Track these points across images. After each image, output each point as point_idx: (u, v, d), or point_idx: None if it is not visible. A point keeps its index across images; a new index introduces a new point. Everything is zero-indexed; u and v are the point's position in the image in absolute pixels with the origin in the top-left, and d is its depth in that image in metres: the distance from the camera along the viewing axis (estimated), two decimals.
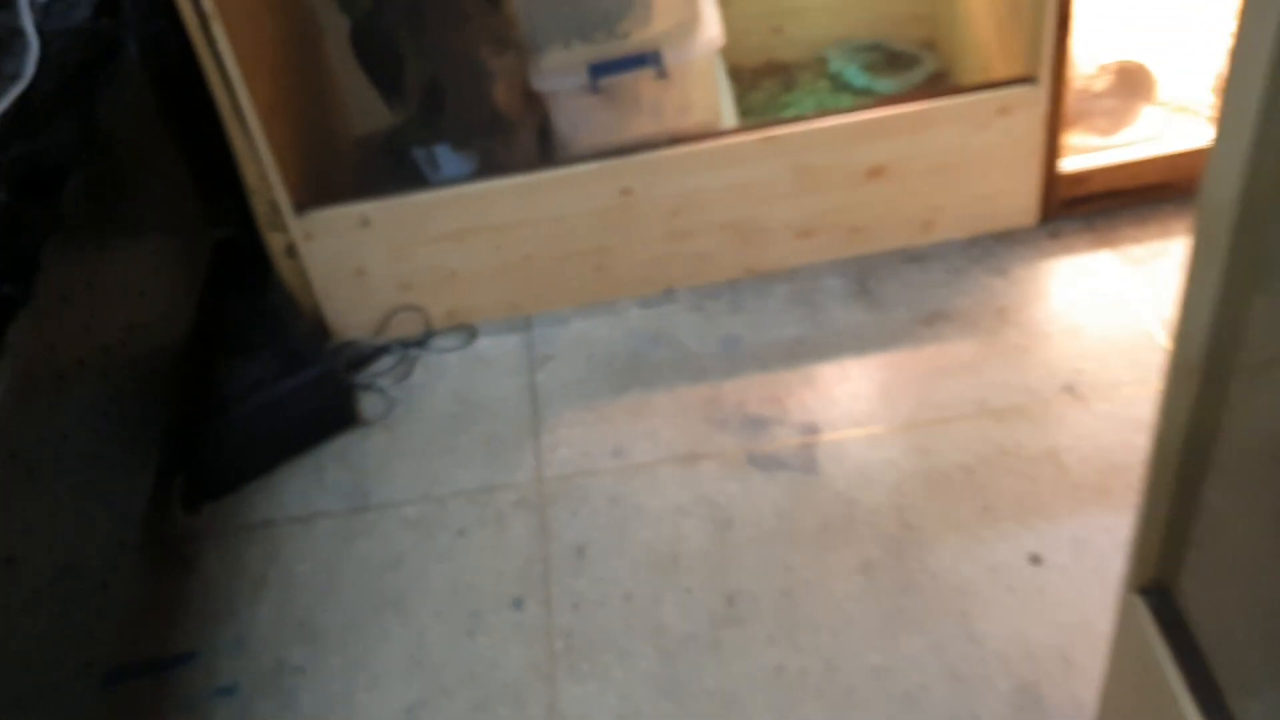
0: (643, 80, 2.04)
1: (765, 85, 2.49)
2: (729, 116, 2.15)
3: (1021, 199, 2.11)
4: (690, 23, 2.01)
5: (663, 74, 2.01)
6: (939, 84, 2.42)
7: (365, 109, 2.35)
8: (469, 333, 2.18)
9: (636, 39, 2.01)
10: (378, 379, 2.12)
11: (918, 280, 2.10)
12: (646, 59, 2.00)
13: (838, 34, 2.53)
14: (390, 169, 2.39)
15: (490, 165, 2.20)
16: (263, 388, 1.93)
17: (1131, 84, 2.22)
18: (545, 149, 2.17)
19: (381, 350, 2.17)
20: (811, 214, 2.09)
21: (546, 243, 2.08)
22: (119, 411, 1.66)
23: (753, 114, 2.42)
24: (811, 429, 1.89)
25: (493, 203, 2.04)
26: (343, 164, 2.38)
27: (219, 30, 1.81)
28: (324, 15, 2.30)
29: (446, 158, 2.30)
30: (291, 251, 2.07)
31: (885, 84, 2.40)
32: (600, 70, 2.00)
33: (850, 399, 1.93)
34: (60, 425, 1.49)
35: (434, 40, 2.15)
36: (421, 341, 2.17)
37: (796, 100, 2.44)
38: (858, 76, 2.42)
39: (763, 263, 2.14)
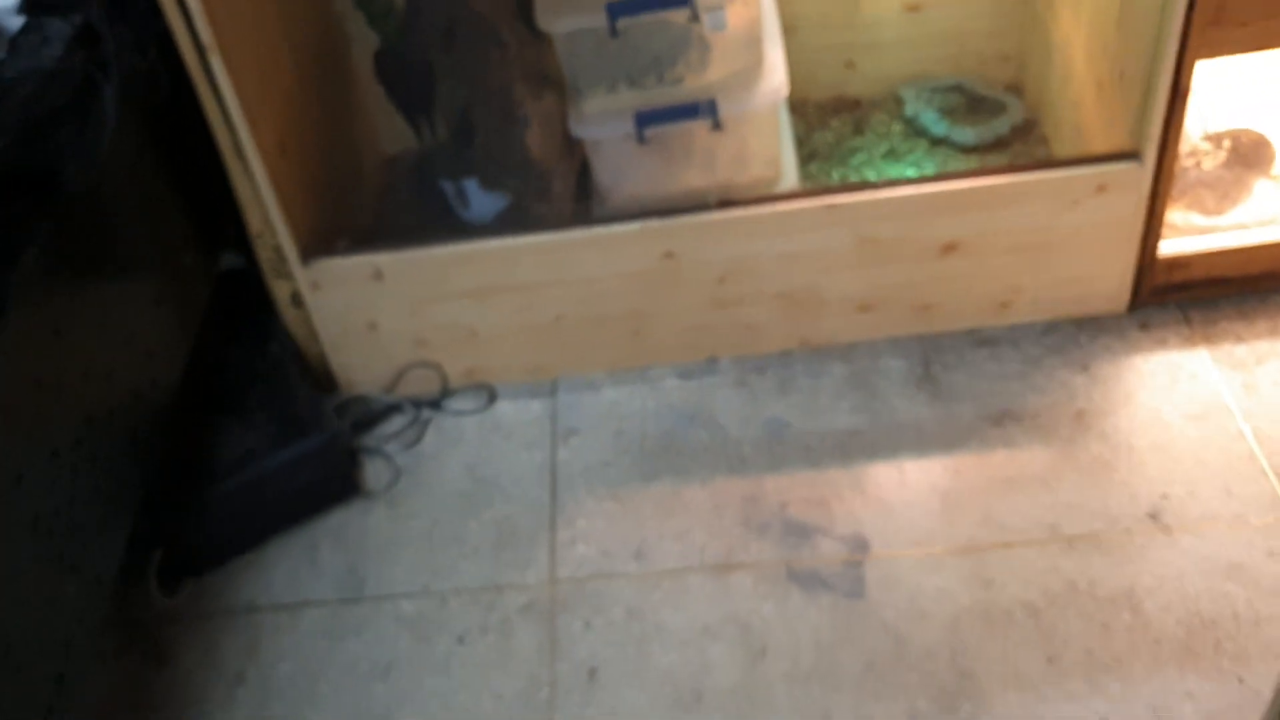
0: (695, 131, 1.81)
1: (833, 125, 2.26)
2: (790, 170, 1.93)
3: (1111, 283, 1.88)
4: (752, 71, 1.79)
5: (717, 126, 1.79)
6: (1025, 135, 2.18)
7: (398, 126, 2.15)
8: (488, 394, 1.98)
9: (690, 86, 1.78)
10: (385, 443, 1.93)
11: (988, 369, 1.88)
12: (699, 109, 1.77)
13: (915, 71, 2.29)
14: (417, 199, 2.19)
15: (521, 211, 1.99)
16: (256, 459, 1.75)
17: (1246, 156, 1.97)
18: (582, 199, 1.96)
19: (392, 409, 1.97)
20: (875, 287, 1.87)
21: (578, 304, 1.88)
22: (92, 468, 1.49)
23: (818, 158, 2.20)
24: (860, 543, 1.68)
25: (520, 260, 1.83)
26: (368, 186, 2.18)
27: (218, 63, 1.61)
28: (353, 26, 2.09)
29: (476, 194, 2.09)
30: (297, 300, 1.88)
31: (965, 133, 2.16)
32: (647, 119, 1.79)
33: (905, 509, 1.72)
34: (21, 476, 1.32)
35: (466, 69, 1.94)
36: (436, 401, 1.97)
37: (866, 145, 2.20)
38: (935, 123, 2.18)
39: (817, 335, 1.93)
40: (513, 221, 2.04)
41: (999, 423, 1.80)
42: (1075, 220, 1.79)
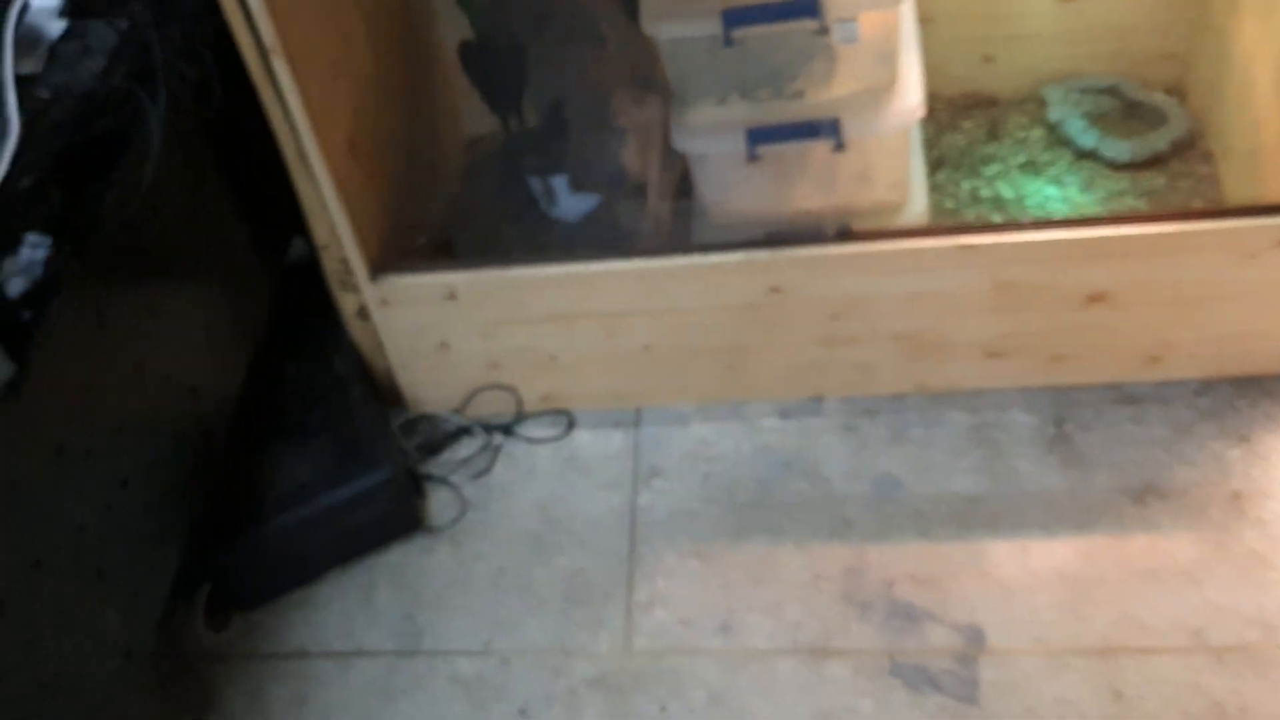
0: (813, 149, 1.60)
1: (966, 126, 2.02)
2: (919, 193, 1.71)
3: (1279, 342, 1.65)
4: (883, 88, 1.56)
5: (840, 147, 1.57)
6: (1187, 151, 1.93)
7: (482, 105, 1.96)
8: (566, 420, 1.80)
9: (811, 101, 1.57)
10: (452, 471, 1.77)
11: (1130, 433, 1.66)
12: (821, 129, 1.56)
13: (1061, 69, 2.03)
14: (501, 189, 2.00)
15: (612, 217, 1.80)
16: (313, 494, 1.60)
17: None
18: (681, 214, 1.76)
19: (462, 431, 1.81)
20: (1006, 334, 1.65)
21: (670, 334, 1.69)
22: (142, 493, 1.37)
23: (946, 164, 1.97)
24: (975, 635, 1.49)
25: (608, 287, 1.64)
26: (447, 170, 2.00)
27: (281, 66, 1.43)
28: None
29: (565, 193, 1.90)
30: (364, 313, 1.72)
31: (1119, 146, 1.91)
32: (761, 136, 1.58)
33: (1028, 596, 1.52)
34: (63, 503, 1.22)
35: (559, 62, 1.74)
36: (509, 426, 1.80)
37: (1002, 153, 1.97)
38: (1083, 133, 1.94)
39: (936, 380, 1.72)
40: (603, 230, 1.86)
41: (1140, 499, 1.59)
42: (1248, 275, 1.55)
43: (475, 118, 2.04)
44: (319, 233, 1.63)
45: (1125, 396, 1.70)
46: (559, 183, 1.90)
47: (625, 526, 1.66)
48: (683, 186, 1.79)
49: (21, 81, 1.20)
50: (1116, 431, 1.66)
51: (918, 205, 1.70)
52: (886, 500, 1.63)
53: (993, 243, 1.55)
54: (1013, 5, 1.98)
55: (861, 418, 1.73)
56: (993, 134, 2.02)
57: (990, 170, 1.95)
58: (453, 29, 1.89)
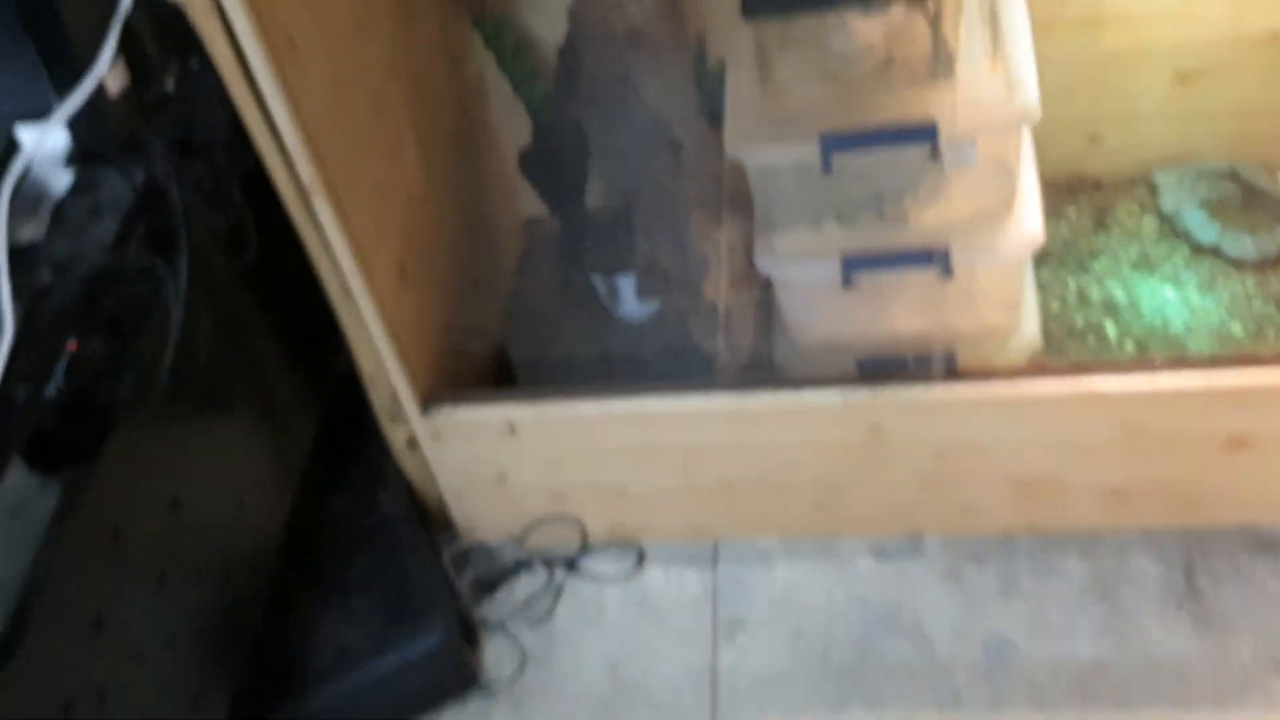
0: (916, 275, 1.42)
1: (1070, 214, 1.84)
2: (1030, 316, 1.53)
3: None
4: (999, 212, 1.38)
5: (948, 274, 1.39)
6: None
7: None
8: (635, 554, 1.64)
9: (916, 227, 1.39)
10: (510, 615, 1.60)
11: (1271, 586, 1.48)
12: (927, 257, 1.38)
13: (1175, 151, 1.84)
14: (559, 281, 1.83)
15: (682, 325, 1.63)
16: (358, 661, 1.44)
17: None
18: (763, 338, 1.58)
19: (521, 565, 1.65)
20: (1133, 477, 1.47)
21: (754, 470, 1.52)
22: (180, 655, 1.22)
23: (1050, 258, 1.78)
24: None
25: (686, 424, 1.47)
26: (503, 259, 1.83)
27: (323, 206, 1.26)
28: (489, 72, 1.71)
29: (629, 296, 1.73)
30: (414, 443, 1.55)
31: (1242, 242, 1.73)
32: (859, 264, 1.40)
33: None
34: (94, 671, 1.06)
35: (630, 162, 1.57)
36: (573, 560, 1.64)
37: (1111, 246, 1.79)
38: (1202, 226, 1.75)
39: (1050, 520, 1.54)
40: (671, 333, 1.69)
41: None
42: None
43: (529, 200, 1.86)
44: (365, 364, 1.47)
45: (1263, 541, 1.51)
46: (623, 283, 1.74)
47: (706, 692, 1.50)
48: (761, 316, 1.62)
49: (19, 255, 1.04)
50: (1255, 584, 1.48)
51: (1029, 329, 1.52)
52: (998, 667, 1.46)
53: (1123, 391, 1.36)
54: (1123, 82, 1.79)
55: (967, 562, 1.56)
56: (1100, 223, 1.83)
57: (1099, 266, 1.77)
58: (505, 109, 1.72)
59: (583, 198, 1.72)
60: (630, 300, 1.75)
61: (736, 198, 1.56)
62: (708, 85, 1.63)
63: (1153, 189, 1.84)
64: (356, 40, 1.33)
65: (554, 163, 1.60)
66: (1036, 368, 1.46)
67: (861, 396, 1.42)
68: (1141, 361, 1.43)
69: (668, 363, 1.70)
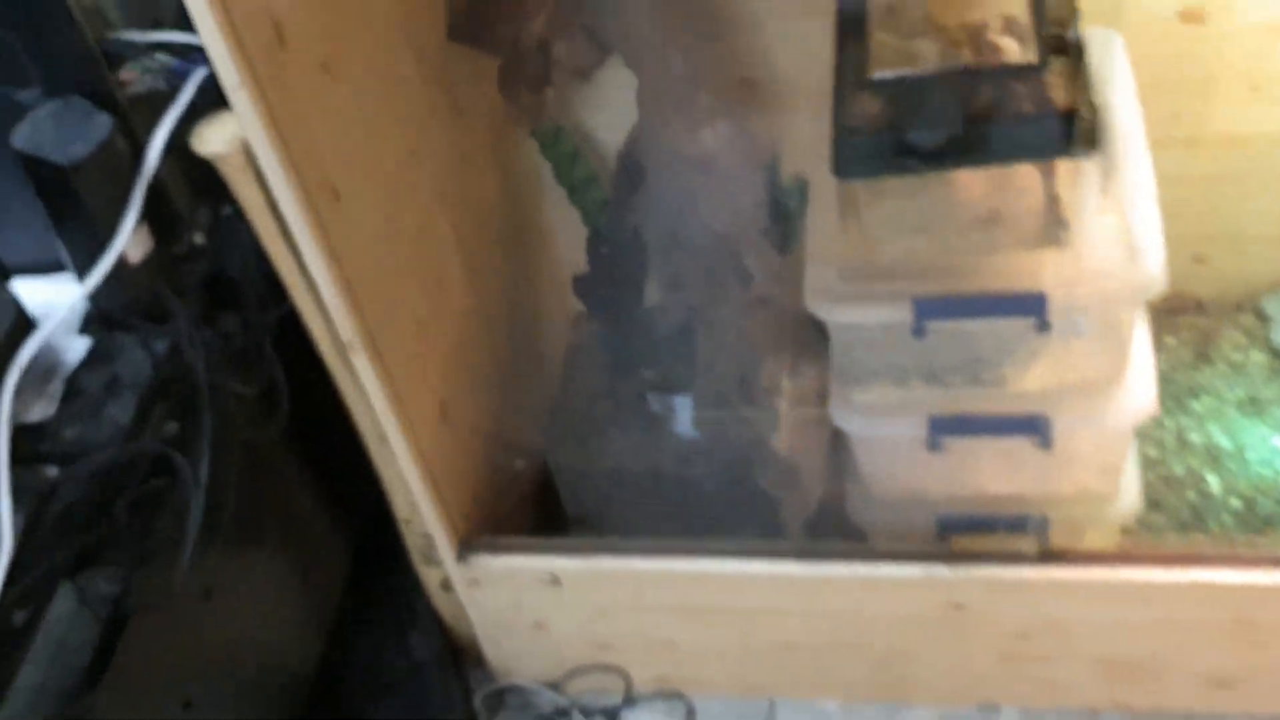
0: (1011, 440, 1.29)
1: (1170, 343, 1.70)
2: (1131, 482, 1.39)
3: None
4: (1106, 382, 1.24)
5: (1047, 445, 1.26)
6: None
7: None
8: (685, 709, 1.51)
9: (1013, 392, 1.25)
10: None
11: None
12: (1028, 425, 1.25)
13: None
14: (609, 390, 1.70)
15: (742, 471, 1.50)
16: None
17: None
18: (832, 484, 1.45)
19: (560, 714, 1.52)
20: (1240, 666, 1.33)
21: (818, 636, 1.40)
22: None
23: None
24: None
25: (748, 588, 1.35)
26: (550, 347, 1.70)
27: (362, 362, 1.14)
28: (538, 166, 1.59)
29: (686, 415, 1.60)
30: (448, 585, 1.44)
31: None
32: (947, 427, 1.27)
33: None
34: None
35: (692, 288, 1.44)
36: (615, 712, 1.52)
37: (1215, 382, 1.65)
38: None
39: (1142, 700, 1.41)
40: (729, 450, 1.56)
41: None
42: None
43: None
44: (400, 507, 1.36)
45: None
46: (681, 402, 1.61)
47: None
48: (834, 440, 1.49)
49: (26, 434, 0.92)
50: None
51: (1129, 495, 1.38)
52: None
53: (1237, 583, 1.23)
54: (1231, 200, 1.65)
55: None
56: (1203, 354, 1.69)
57: (1201, 405, 1.63)
58: (560, 213, 1.59)
59: (640, 307, 1.60)
60: (687, 420, 1.62)
61: (807, 332, 1.42)
62: (780, 198, 1.51)
63: (1262, 318, 1.70)
64: (406, 170, 1.21)
65: (609, 278, 1.48)
66: (1140, 552, 1.32)
67: (944, 573, 1.29)
68: (1260, 557, 1.28)
69: (722, 487, 1.57)
